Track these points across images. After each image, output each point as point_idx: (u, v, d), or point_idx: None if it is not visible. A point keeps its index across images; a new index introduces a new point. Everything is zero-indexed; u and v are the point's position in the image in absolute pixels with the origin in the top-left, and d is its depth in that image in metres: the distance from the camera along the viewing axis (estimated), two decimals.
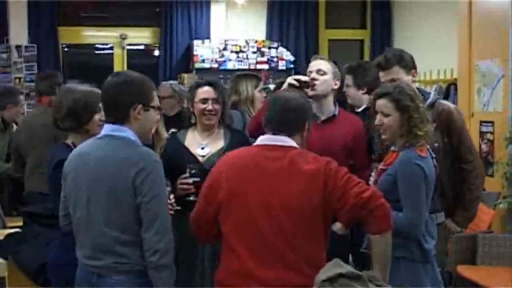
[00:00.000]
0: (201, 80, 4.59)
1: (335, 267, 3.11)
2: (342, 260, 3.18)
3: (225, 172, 3.34)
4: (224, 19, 10.75)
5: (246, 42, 10.43)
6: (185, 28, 10.63)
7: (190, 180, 4.26)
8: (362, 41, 11.49)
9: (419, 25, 10.16)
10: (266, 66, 10.38)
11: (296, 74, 10.05)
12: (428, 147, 3.81)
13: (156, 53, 10.85)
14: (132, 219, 3.28)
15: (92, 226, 3.33)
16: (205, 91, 4.44)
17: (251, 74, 6.00)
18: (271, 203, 3.24)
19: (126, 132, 3.36)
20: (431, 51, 9.26)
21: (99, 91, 3.97)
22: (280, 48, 10.55)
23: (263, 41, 10.57)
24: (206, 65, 10.26)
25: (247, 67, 10.27)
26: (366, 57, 11.22)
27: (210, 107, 4.41)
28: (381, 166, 3.90)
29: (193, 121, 4.52)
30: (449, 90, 9.23)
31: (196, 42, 10.35)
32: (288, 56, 10.53)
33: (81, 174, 3.37)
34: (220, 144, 4.47)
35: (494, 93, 6.66)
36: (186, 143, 4.47)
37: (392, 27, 11.12)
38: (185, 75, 10.13)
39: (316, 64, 4.66)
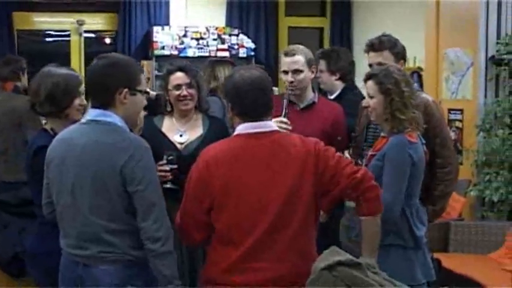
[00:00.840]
0: (171, 66, 4.45)
1: (333, 254, 3.04)
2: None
3: (213, 167, 3.18)
4: (184, 5, 10.58)
5: (207, 29, 10.30)
6: (144, 14, 10.42)
7: (168, 167, 4.15)
8: (322, 29, 11.42)
9: (380, 13, 10.13)
10: (227, 54, 10.23)
11: (257, 62, 10.09)
12: (418, 133, 3.76)
13: (114, 39, 10.62)
14: (120, 207, 3.16)
15: (77, 214, 3.20)
16: (178, 77, 4.34)
17: (225, 60, 5.93)
18: (267, 195, 3.14)
19: (112, 117, 3.23)
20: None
21: (78, 74, 3.86)
22: (241, 36, 10.44)
23: (223, 28, 10.45)
24: (166, 52, 10.09)
25: (207, 54, 10.13)
26: (326, 46, 11.17)
27: (184, 93, 4.31)
28: (370, 152, 3.85)
29: (169, 109, 4.41)
30: (412, 78, 9.26)
31: (156, 28, 10.17)
32: (248, 43, 10.44)
33: (65, 161, 3.23)
34: (199, 131, 4.37)
35: (463, 81, 6.67)
36: (164, 129, 4.36)
37: (352, 15, 11.07)
38: (145, 62, 9.95)
39: (291, 63, 4.52)
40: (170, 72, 4.36)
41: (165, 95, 4.41)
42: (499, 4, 6.38)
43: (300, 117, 4.47)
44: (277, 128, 3.30)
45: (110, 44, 10.81)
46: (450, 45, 6.90)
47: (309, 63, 4.56)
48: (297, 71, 4.49)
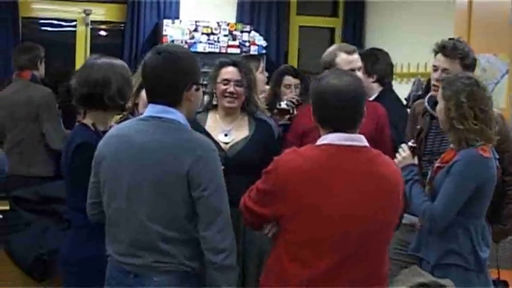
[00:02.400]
0: (225, 59, 4.18)
1: (415, 275, 2.79)
2: None
3: (292, 181, 2.88)
4: None
5: (218, 24, 9.98)
6: (154, 6, 10.05)
7: None
8: (333, 30, 11.16)
9: (396, 15, 9.91)
10: (237, 51, 9.92)
11: (268, 60, 9.81)
12: (491, 147, 3.51)
13: (122, 31, 10.28)
14: (181, 213, 2.89)
15: (131, 219, 2.93)
16: (229, 71, 4.11)
17: (250, 55, 5.66)
18: (353, 218, 2.87)
19: (175, 114, 2.97)
20: (409, 43, 9.02)
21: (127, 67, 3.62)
22: (253, 33, 10.13)
23: (235, 24, 10.13)
24: None
25: (218, 50, 9.84)
26: None
27: (231, 89, 4.07)
28: (437, 164, 3.61)
29: (215, 102, 4.14)
30: (429, 84, 9.00)
31: (165, 21, 9.82)
32: (260, 40, 10.12)
33: (121, 160, 2.95)
34: (245, 132, 4.12)
35: (496, 89, 6.41)
36: (207, 127, 4.09)
37: (365, 16, 10.82)
38: None
39: (355, 61, 4.36)
40: (222, 65, 4.11)
41: (212, 89, 4.14)
42: None
43: None
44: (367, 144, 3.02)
45: (118, 35, 10.41)
46: (482, 50, 6.64)
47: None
48: (360, 69, 4.30)
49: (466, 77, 3.59)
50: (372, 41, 10.51)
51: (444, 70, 3.94)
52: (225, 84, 4.06)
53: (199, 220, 2.89)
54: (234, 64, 4.11)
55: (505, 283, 3.64)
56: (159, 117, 2.95)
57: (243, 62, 4.23)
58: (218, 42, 9.96)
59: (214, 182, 2.88)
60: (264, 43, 10.15)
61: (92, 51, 9.76)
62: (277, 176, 2.91)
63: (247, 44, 10.08)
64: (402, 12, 9.80)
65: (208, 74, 4.28)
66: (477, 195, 3.46)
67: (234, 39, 10.03)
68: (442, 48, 4.06)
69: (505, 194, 3.89)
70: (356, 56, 4.33)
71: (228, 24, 10.06)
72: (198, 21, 9.94)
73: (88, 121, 3.50)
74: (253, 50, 10.05)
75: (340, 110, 2.93)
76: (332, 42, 11.12)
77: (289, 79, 5.38)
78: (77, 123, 3.64)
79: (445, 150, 3.75)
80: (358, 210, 2.86)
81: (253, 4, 10.50)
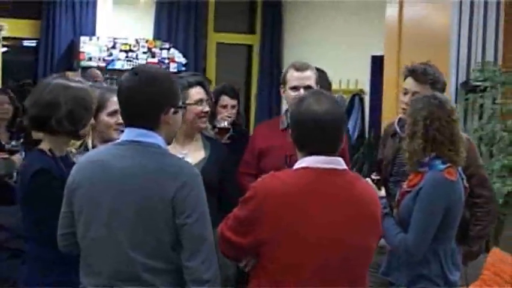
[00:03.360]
0: (190, 79, 4.03)
1: None
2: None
3: (275, 202, 2.76)
4: (111, 15, 10.04)
5: (136, 41, 9.82)
6: (69, 22, 9.83)
7: None
8: (251, 46, 11.14)
9: (315, 31, 9.95)
10: None
11: None
12: (457, 169, 3.48)
13: (36, 48, 9.96)
14: (166, 241, 2.72)
15: (112, 249, 2.74)
16: (199, 91, 3.96)
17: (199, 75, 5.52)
18: (337, 243, 2.77)
19: (155, 137, 2.81)
20: (329, 60, 9.05)
21: (91, 90, 3.41)
22: (172, 50, 10.01)
23: (154, 41, 9.98)
24: (93, 63, 9.52)
25: None
26: (255, 63, 10.94)
27: (206, 109, 3.93)
28: (404, 187, 3.55)
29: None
30: (353, 101, 9.08)
31: (82, 38, 9.58)
32: (179, 58, 10.02)
33: (99, 187, 2.76)
34: (201, 154, 4.01)
35: None
36: None
37: (283, 33, 10.86)
38: (69, 74, 9.33)
39: (304, 78, 4.19)
40: (191, 85, 3.94)
41: None
42: (470, 27, 6.22)
43: None
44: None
45: (32, 52, 10.08)
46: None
47: (317, 82, 4.25)
48: (308, 88, 4.14)
49: (432, 96, 3.54)
50: (290, 57, 10.53)
51: (414, 93, 3.88)
52: (200, 105, 3.94)
53: (182, 249, 2.73)
54: (199, 84, 3.99)
55: None
56: (138, 141, 2.79)
57: (203, 80, 4.10)
58: (137, 59, 9.81)
59: (198, 209, 2.74)
60: (183, 60, 10.04)
61: (4, 69, 9.40)
62: (256, 201, 2.80)
63: (166, 61, 9.95)
64: (321, 28, 9.87)
65: None
66: (445, 219, 3.40)
67: (153, 56, 9.89)
68: (413, 73, 4.00)
69: (473, 216, 3.89)
70: (307, 74, 4.18)
71: (147, 41, 9.91)
72: (116, 38, 9.75)
73: (44, 146, 3.29)
74: (173, 67, 9.93)
75: (319, 136, 2.82)
76: (250, 59, 11.13)
77: (225, 99, 5.25)
78: (34, 150, 3.41)
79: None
80: (338, 234, 2.76)
81: (170, 21, 10.39)
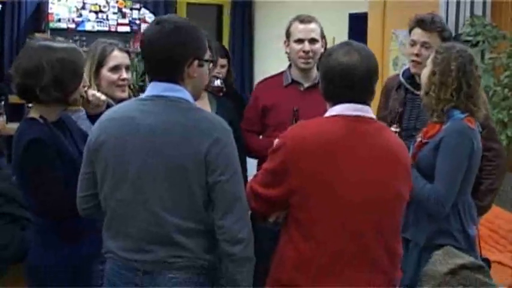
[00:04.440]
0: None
1: (453, 257, 2.66)
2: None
3: (303, 154, 2.67)
4: None
5: (106, 1, 9.58)
6: None
7: None
8: (221, 6, 10.94)
9: None
10: (127, 29, 9.59)
11: None
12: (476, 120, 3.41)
13: (2, 11, 9.62)
14: (199, 201, 2.60)
15: (141, 210, 2.61)
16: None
17: None
18: (370, 193, 2.69)
19: (183, 92, 2.67)
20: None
21: (80, 49, 3.22)
22: (143, 10, 9.77)
23: (124, 1, 9.73)
24: (62, 25, 9.33)
25: (107, 29, 9.49)
26: (226, 24, 10.76)
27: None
28: (420, 138, 3.46)
29: None
30: None
31: None
32: (151, 18, 9.76)
33: (127, 145, 2.62)
34: (208, 110, 3.85)
35: None
36: None
37: None
38: (38, 36, 9.07)
39: (309, 31, 4.09)
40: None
41: None
42: None
43: (303, 98, 4.06)
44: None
45: None
46: (400, 25, 6.61)
47: (322, 34, 4.15)
48: (313, 40, 4.07)
49: (463, 49, 3.45)
50: (262, 17, 10.39)
51: (423, 44, 3.81)
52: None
53: (215, 208, 2.61)
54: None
55: (487, 261, 3.56)
56: (165, 96, 2.64)
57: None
58: (107, 20, 9.60)
59: (231, 166, 2.61)
60: None
61: None
62: (286, 151, 2.69)
63: (137, 22, 9.75)
64: None
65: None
66: (466, 169, 3.35)
67: (124, 17, 9.67)
68: (421, 23, 3.89)
69: (482, 170, 3.81)
70: (312, 26, 4.09)
71: (117, 2, 9.65)
72: None
73: (35, 114, 3.06)
74: (144, 28, 9.66)
75: (347, 87, 2.74)
76: (220, 19, 10.94)
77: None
78: (25, 118, 3.18)
79: (421, 127, 3.63)
80: (372, 192, 2.69)
81: None
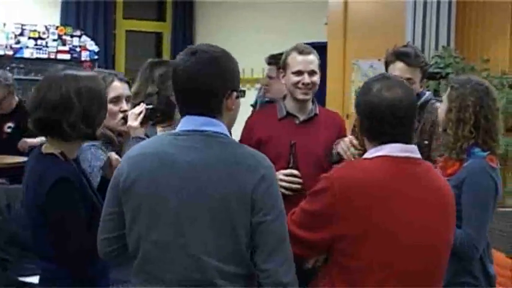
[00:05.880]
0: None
1: None
2: None
3: (356, 197, 2.52)
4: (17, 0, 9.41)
5: (46, 28, 9.23)
6: None
7: None
8: (161, 34, 10.74)
9: (229, 17, 9.67)
10: (68, 56, 9.28)
11: (99, 67, 9.19)
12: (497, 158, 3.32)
13: None
14: (242, 243, 2.41)
15: (180, 253, 2.40)
16: None
17: (167, 61, 5.12)
18: (422, 239, 2.56)
19: (221, 126, 2.48)
20: (247, 47, 8.79)
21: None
22: (84, 37, 9.48)
23: (64, 28, 9.41)
24: None
25: (46, 56, 9.15)
26: (166, 51, 10.57)
27: None
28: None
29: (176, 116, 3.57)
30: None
31: None
32: (92, 45, 9.52)
33: (163, 182, 2.40)
34: None
35: None
36: None
37: (194, 20, 10.54)
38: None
39: (308, 62, 3.92)
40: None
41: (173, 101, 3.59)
42: (424, 12, 6.11)
43: (298, 131, 3.91)
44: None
45: None
46: (360, 55, 6.58)
47: (319, 66, 4.00)
48: (313, 72, 3.90)
49: (478, 82, 3.35)
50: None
51: (408, 80, 3.58)
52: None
53: (258, 250, 2.43)
54: None
55: None
56: (203, 131, 2.45)
57: None
58: (47, 47, 9.24)
59: (277, 205, 2.43)
60: (96, 48, 9.55)
61: None
62: (333, 192, 2.53)
63: (77, 49, 9.43)
64: (237, 13, 9.59)
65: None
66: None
67: (64, 44, 9.33)
68: (404, 57, 3.72)
69: None
70: (311, 57, 3.92)
71: (57, 28, 9.33)
72: (24, 25, 9.13)
73: (51, 149, 2.78)
74: (85, 56, 9.45)
75: (396, 124, 2.60)
76: (160, 46, 10.74)
77: None
78: (38, 152, 2.92)
79: None
80: (430, 236, 2.56)
81: (78, 5, 9.81)
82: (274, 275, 2.43)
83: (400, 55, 3.75)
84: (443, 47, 5.91)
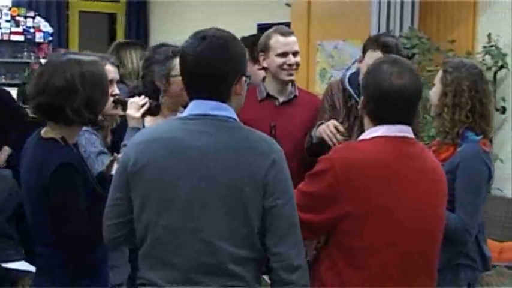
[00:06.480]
0: (174, 48, 3.62)
1: None
2: None
3: (357, 177, 2.54)
4: None
5: None
6: None
7: None
8: (114, 15, 10.61)
9: (179, 1, 9.59)
10: (21, 37, 9.11)
11: (53, 48, 9.07)
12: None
13: None
14: (255, 228, 2.42)
15: (192, 239, 2.39)
16: None
17: (134, 43, 5.06)
18: (421, 219, 2.60)
19: (230, 111, 2.48)
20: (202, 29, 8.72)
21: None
22: (38, 18, 9.31)
23: (18, 9, 9.23)
24: None
25: (0, 38, 8.95)
26: (120, 32, 10.45)
27: None
28: None
29: (162, 101, 3.55)
30: None
31: None
32: (46, 27, 9.35)
33: (174, 168, 2.39)
34: None
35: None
36: None
37: (149, 1, 10.41)
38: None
39: (292, 43, 3.95)
40: (175, 55, 3.52)
41: (159, 86, 3.56)
42: None
43: (278, 113, 3.94)
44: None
45: None
46: (325, 37, 6.60)
47: None
48: (297, 53, 3.95)
49: (472, 65, 3.37)
50: (158, 26, 10.15)
51: None
52: None
53: (269, 234, 2.44)
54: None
55: None
56: (213, 115, 2.44)
57: None
58: (0, 28, 9.03)
59: (288, 189, 2.44)
60: (50, 29, 9.38)
61: None
62: (336, 174, 2.55)
63: (31, 30, 9.25)
64: None
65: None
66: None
67: (18, 25, 9.15)
68: (385, 48, 3.60)
69: None
70: (293, 38, 3.97)
71: (10, 9, 9.14)
72: None
73: (52, 134, 2.76)
74: (39, 37, 9.28)
75: (400, 111, 2.63)
76: (113, 27, 10.62)
77: None
78: (39, 137, 2.81)
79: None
80: (426, 203, 2.62)
81: None
82: (286, 259, 2.44)
83: (381, 45, 3.66)
84: (409, 27, 5.97)
